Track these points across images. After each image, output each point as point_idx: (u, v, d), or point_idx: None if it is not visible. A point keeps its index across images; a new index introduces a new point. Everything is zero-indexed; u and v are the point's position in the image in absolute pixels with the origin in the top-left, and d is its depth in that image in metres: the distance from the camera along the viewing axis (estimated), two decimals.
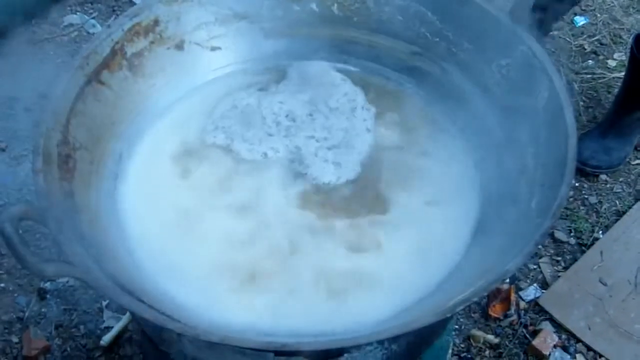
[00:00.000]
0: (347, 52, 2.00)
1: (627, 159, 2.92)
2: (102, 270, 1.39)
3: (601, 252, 2.62)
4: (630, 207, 2.78)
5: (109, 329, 2.43)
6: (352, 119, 1.87)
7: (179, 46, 1.89)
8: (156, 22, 1.84)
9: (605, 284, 2.53)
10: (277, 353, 1.38)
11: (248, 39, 1.97)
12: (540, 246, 2.66)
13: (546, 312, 2.49)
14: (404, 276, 1.62)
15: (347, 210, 1.72)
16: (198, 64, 1.93)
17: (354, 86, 1.93)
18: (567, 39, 3.45)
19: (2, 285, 2.56)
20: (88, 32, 3.46)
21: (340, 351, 1.45)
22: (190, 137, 1.85)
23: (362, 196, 1.75)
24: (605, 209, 2.78)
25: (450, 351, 2.19)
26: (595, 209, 2.79)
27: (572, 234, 2.71)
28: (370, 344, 1.49)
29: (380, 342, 1.53)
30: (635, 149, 2.97)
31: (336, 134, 1.84)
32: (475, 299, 1.34)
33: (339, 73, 1.97)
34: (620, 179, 2.89)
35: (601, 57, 3.37)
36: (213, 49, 1.94)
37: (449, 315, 1.33)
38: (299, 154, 1.79)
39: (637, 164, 2.94)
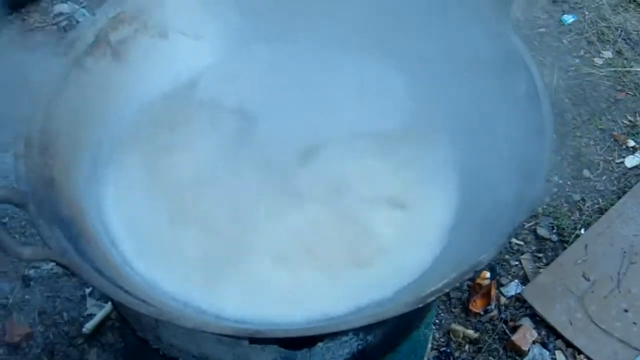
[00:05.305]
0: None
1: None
2: (81, 255, 1.40)
3: (585, 246, 2.63)
4: (613, 205, 2.78)
5: (91, 316, 2.45)
6: None
7: (163, 35, 1.88)
8: (141, 10, 1.84)
9: (588, 279, 2.54)
10: (252, 340, 1.39)
11: (234, 29, 1.97)
12: (521, 242, 2.68)
13: (526, 308, 2.50)
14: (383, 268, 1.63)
15: None
16: (182, 53, 1.93)
17: None
18: (555, 36, 3.46)
19: None
20: (78, 21, 3.47)
21: (315, 339, 1.46)
22: (171, 120, 1.86)
23: None
24: (588, 206, 2.80)
25: (429, 345, 2.21)
26: (578, 206, 2.80)
27: (554, 231, 2.72)
28: (345, 333, 1.51)
29: (355, 333, 1.54)
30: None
31: None
32: (447, 290, 1.34)
33: None
34: (604, 177, 2.90)
35: (588, 56, 3.38)
36: (197, 38, 1.94)
37: (420, 305, 1.33)
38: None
39: (621, 162, 2.96)
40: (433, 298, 1.33)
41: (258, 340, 1.37)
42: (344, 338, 1.53)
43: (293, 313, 1.53)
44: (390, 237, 1.67)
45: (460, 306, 2.51)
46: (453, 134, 1.81)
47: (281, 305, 1.54)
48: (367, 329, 1.54)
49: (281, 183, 1.74)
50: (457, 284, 1.35)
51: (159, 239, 1.65)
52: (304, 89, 1.87)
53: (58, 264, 1.35)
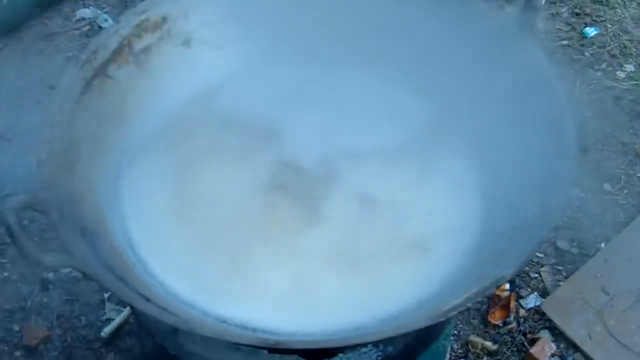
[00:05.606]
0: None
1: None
2: (101, 262, 1.40)
3: (605, 260, 2.62)
4: (634, 219, 2.77)
5: (109, 321, 2.45)
6: None
7: (186, 43, 1.88)
8: (164, 19, 1.84)
9: (607, 293, 2.52)
10: (271, 350, 1.39)
11: (257, 42, 1.97)
12: (542, 255, 2.67)
13: (545, 321, 2.49)
14: (404, 280, 1.62)
15: None
16: (204, 62, 1.92)
17: None
18: (577, 49, 3.45)
19: (6, 274, 2.59)
20: (100, 26, 3.48)
21: (335, 351, 1.46)
22: (192, 130, 1.86)
23: None
24: (608, 220, 2.78)
25: (447, 356, 2.20)
26: (598, 220, 2.78)
27: (574, 244, 2.71)
28: (364, 345, 1.51)
29: (375, 344, 1.54)
30: None
31: None
32: (469, 305, 1.34)
33: None
34: (625, 191, 2.89)
35: (610, 69, 3.37)
36: (220, 47, 1.94)
37: (442, 319, 1.33)
38: None
39: None
40: (455, 312, 1.33)
41: (278, 350, 1.36)
42: (364, 349, 1.53)
43: (313, 322, 1.52)
44: (411, 249, 1.66)
45: (479, 317, 2.51)
46: (474, 147, 1.80)
47: (300, 314, 1.54)
48: (388, 340, 1.54)
49: (300, 194, 1.74)
50: (480, 298, 1.34)
51: (180, 248, 1.65)
52: (322, 106, 1.88)
53: (80, 271, 1.35)
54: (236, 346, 1.46)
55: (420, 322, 1.34)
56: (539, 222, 1.48)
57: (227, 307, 1.54)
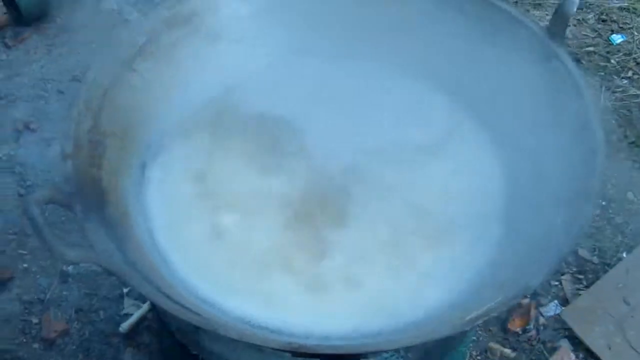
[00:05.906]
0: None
1: None
2: (125, 258, 1.39)
3: (627, 270, 2.59)
4: None
5: (128, 316, 2.45)
6: None
7: (214, 39, 1.88)
8: (193, 13, 1.83)
9: (628, 304, 2.50)
10: (295, 354, 1.38)
11: (283, 39, 1.96)
12: (563, 263, 2.64)
13: (565, 330, 2.48)
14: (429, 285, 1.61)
15: None
16: (230, 58, 1.92)
17: None
18: (603, 56, 3.43)
19: (25, 265, 2.59)
20: (125, 19, 3.47)
21: (357, 356, 1.45)
22: (217, 125, 1.85)
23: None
24: (631, 229, 2.76)
25: None
26: (621, 230, 2.76)
27: (595, 253, 2.69)
28: (386, 350, 1.50)
29: (397, 350, 1.53)
30: None
31: None
32: (494, 314, 1.33)
33: None
34: None
35: (636, 77, 3.34)
36: (246, 43, 1.93)
37: (466, 329, 1.32)
38: None
39: None
40: (479, 322, 1.32)
41: (301, 354, 1.35)
42: (385, 355, 1.52)
43: (331, 325, 1.52)
44: (432, 253, 1.65)
45: (499, 324, 2.49)
46: (498, 149, 1.79)
47: (318, 318, 1.54)
48: (409, 347, 1.53)
49: (326, 194, 1.73)
50: (505, 308, 1.33)
51: (203, 247, 1.64)
52: (346, 103, 1.88)
53: (103, 267, 1.34)
54: (260, 348, 1.45)
55: (444, 330, 1.33)
56: (565, 231, 1.47)
57: (247, 308, 1.53)
